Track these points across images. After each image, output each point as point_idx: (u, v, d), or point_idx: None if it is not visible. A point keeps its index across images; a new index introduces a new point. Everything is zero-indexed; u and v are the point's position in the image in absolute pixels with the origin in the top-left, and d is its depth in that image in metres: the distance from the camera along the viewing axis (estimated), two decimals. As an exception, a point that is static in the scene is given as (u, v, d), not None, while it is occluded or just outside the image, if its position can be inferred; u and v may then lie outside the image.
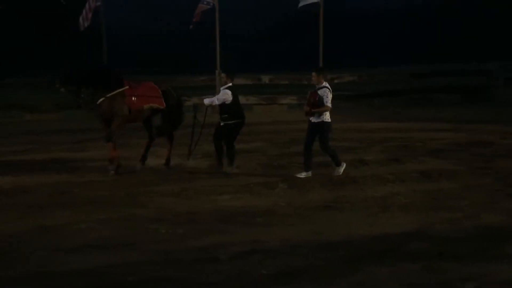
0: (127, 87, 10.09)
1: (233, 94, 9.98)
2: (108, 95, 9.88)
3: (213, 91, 21.98)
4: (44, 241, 6.35)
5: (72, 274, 5.39)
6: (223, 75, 10.34)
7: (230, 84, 10.10)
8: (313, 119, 9.35)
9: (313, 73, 9.61)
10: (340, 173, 9.39)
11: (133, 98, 10.07)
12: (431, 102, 21.45)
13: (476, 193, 8.38)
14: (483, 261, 5.69)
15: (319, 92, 9.35)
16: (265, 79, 23.38)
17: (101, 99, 9.89)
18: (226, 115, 9.97)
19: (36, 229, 6.76)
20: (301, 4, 21.58)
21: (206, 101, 10.25)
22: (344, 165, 9.54)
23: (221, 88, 10.26)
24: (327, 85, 9.50)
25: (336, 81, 22.41)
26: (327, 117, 9.37)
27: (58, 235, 6.57)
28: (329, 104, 9.34)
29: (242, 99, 23.18)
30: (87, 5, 21.47)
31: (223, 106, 9.97)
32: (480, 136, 13.35)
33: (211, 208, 7.73)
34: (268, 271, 5.45)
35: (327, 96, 9.33)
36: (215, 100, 10.04)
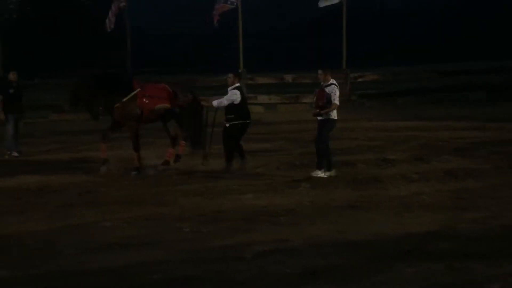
0: (138, 89, 10.16)
1: (242, 94, 9.88)
2: (123, 100, 10.03)
3: (236, 91, 22.04)
4: (72, 239, 6.46)
5: (99, 272, 5.46)
6: (230, 75, 10.05)
7: (238, 84, 9.95)
8: (320, 117, 9.38)
9: (320, 71, 9.54)
10: (318, 175, 9.21)
11: (144, 100, 10.13)
12: (456, 100, 21.24)
13: (502, 192, 8.30)
14: (508, 261, 5.64)
15: (327, 89, 9.32)
16: (288, 78, 23.36)
17: (117, 105, 10.06)
18: (232, 116, 9.79)
19: (64, 228, 6.88)
20: (322, 5, 21.53)
21: (215, 103, 9.97)
22: (327, 174, 9.26)
23: (229, 89, 9.97)
24: (334, 82, 9.47)
25: (359, 79, 22.34)
26: (334, 114, 9.36)
27: (85, 233, 6.67)
28: (337, 102, 9.30)
29: (265, 98, 23.30)
30: (112, 7, 21.72)
31: (229, 106, 9.79)
32: (505, 134, 13.21)
33: (235, 207, 7.78)
34: (291, 270, 5.47)
35: (335, 93, 9.29)
36: (224, 101, 9.84)
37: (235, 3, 21.62)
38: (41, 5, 54.33)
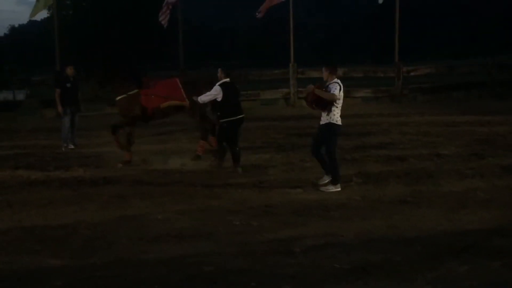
0: (142, 89, 10.43)
1: (227, 91, 9.49)
2: (120, 96, 10.43)
3: (287, 84, 22.08)
4: (126, 230, 6.60)
5: (153, 263, 5.56)
6: (219, 70, 9.78)
7: (226, 80, 9.62)
8: (321, 120, 8.43)
9: (323, 68, 8.56)
10: (329, 191, 8.23)
11: (149, 98, 10.37)
12: (513, 95, 20.65)
13: (562, 189, 8.03)
14: None
15: (329, 86, 8.33)
16: (339, 72, 23.11)
17: (119, 97, 10.45)
18: (219, 113, 9.61)
19: (118, 219, 7.02)
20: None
21: (199, 98, 9.73)
22: (339, 188, 8.29)
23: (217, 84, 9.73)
24: (338, 81, 8.42)
25: (412, 73, 21.99)
26: (335, 118, 8.32)
27: (139, 224, 6.80)
28: (336, 92, 8.19)
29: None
30: (165, 1, 22.07)
31: (215, 103, 9.61)
32: None
33: (285, 201, 7.78)
34: (342, 265, 5.44)
35: (335, 88, 8.24)
36: (204, 97, 9.61)
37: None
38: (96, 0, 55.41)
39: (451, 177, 8.85)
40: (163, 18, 22.10)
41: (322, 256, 5.68)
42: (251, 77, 24.28)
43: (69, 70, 12.92)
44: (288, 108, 21.18)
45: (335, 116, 8.30)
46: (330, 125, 8.30)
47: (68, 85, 12.76)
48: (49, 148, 12.49)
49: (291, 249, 5.87)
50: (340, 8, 76.48)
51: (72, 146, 12.58)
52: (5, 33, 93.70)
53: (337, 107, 8.29)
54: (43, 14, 64.71)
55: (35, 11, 21.75)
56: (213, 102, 9.68)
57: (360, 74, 23.62)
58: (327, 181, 8.43)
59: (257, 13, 21.87)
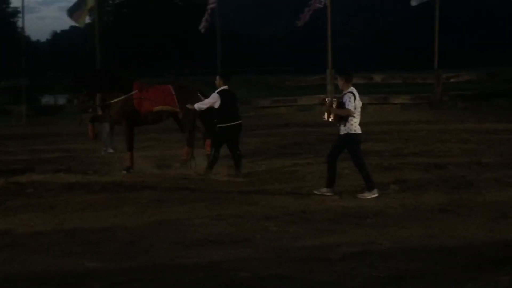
0: (136, 91, 10.51)
1: (224, 98, 9.65)
2: (114, 100, 10.48)
3: (324, 91, 22.00)
4: (163, 234, 6.66)
5: (190, 267, 5.59)
6: (217, 77, 9.97)
7: (225, 87, 9.80)
8: (340, 131, 8.34)
9: (338, 77, 8.52)
10: (366, 198, 8.14)
11: (141, 101, 10.46)
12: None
13: None
14: None
15: (344, 97, 8.26)
16: (377, 78, 23.01)
17: (113, 101, 10.52)
18: (216, 119, 9.76)
19: (155, 223, 7.10)
20: (414, 3, 21.10)
21: (196, 106, 9.92)
22: (376, 193, 8.21)
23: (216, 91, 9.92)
24: (354, 90, 8.31)
25: (452, 80, 21.67)
26: (353, 128, 8.25)
27: (175, 229, 6.86)
28: (351, 107, 8.14)
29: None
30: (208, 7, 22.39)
31: (214, 110, 9.73)
32: None
33: (322, 207, 7.75)
34: (379, 273, 5.39)
35: (349, 100, 8.17)
36: (201, 105, 9.82)
37: (323, 2, 21.58)
38: (136, 6, 56.29)
39: (492, 186, 8.69)
40: (204, 25, 22.38)
41: (359, 264, 5.63)
42: (288, 83, 24.28)
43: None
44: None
45: (353, 125, 8.25)
46: (349, 135, 8.26)
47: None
48: (89, 152, 12.70)
49: (327, 256, 5.84)
50: (377, 13, 75.97)
51: (111, 151, 12.76)
52: (47, 39, 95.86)
53: (354, 117, 8.25)
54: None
55: (83, 18, 22.13)
56: (211, 109, 9.80)
57: (399, 80, 23.41)
58: (326, 193, 8.34)
59: (297, 22, 21.92)
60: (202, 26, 22.60)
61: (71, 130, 17.74)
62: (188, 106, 10.05)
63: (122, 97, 10.49)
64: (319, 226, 6.91)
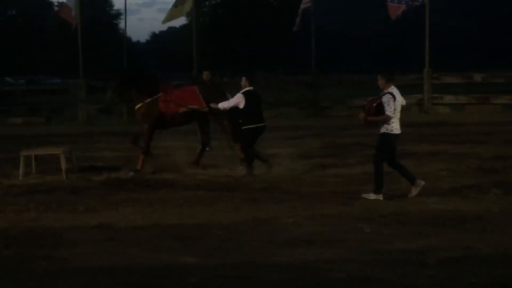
0: (160, 93, 10.55)
1: (249, 99, 9.62)
2: (140, 103, 10.58)
3: (421, 90, 21.46)
4: (257, 232, 6.73)
5: (284, 266, 5.62)
6: (243, 78, 9.91)
7: (250, 88, 9.74)
8: (380, 129, 8.17)
9: (379, 76, 8.26)
10: (370, 198, 8.07)
11: (166, 104, 10.48)
12: None
13: None
14: None
15: (383, 98, 8.09)
16: (477, 77, 22.18)
17: (137, 106, 10.63)
18: (241, 120, 9.70)
19: (249, 221, 7.17)
20: None
21: (220, 105, 9.93)
22: (381, 197, 8.06)
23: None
24: (393, 90, 8.15)
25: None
26: (390, 127, 8.11)
27: (270, 227, 6.91)
28: (389, 113, 8.02)
29: (451, 99, 22.42)
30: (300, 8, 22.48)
31: (239, 111, 9.69)
32: None
33: (418, 210, 7.56)
34: (479, 280, 5.19)
35: (388, 104, 8.02)
36: (225, 104, 9.81)
37: (420, 1, 21.09)
38: (232, 7, 57.24)
39: None
40: (297, 25, 22.47)
41: (457, 270, 5.45)
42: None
43: (206, 75, 13.39)
44: (422, 114, 20.56)
45: (391, 125, 8.13)
46: (386, 135, 8.16)
47: (204, 89, 13.23)
48: (185, 150, 13.01)
49: (424, 260, 5.69)
50: (476, 11, 73.19)
51: (208, 149, 13.01)
52: (146, 39, 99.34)
53: (393, 116, 8.11)
54: (180, 21, 67.79)
55: (168, 17, 22.78)
56: (235, 109, 9.80)
57: (501, 80, 22.45)
58: (414, 193, 8.15)
59: (390, 15, 21.49)
60: (295, 27, 22.68)
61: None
62: (212, 105, 10.11)
63: (148, 100, 10.62)
64: (414, 229, 6.74)
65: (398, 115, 8.20)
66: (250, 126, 9.75)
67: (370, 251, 6.01)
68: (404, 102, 8.40)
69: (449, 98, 21.51)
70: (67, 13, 22.28)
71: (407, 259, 5.76)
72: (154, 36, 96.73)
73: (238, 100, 9.78)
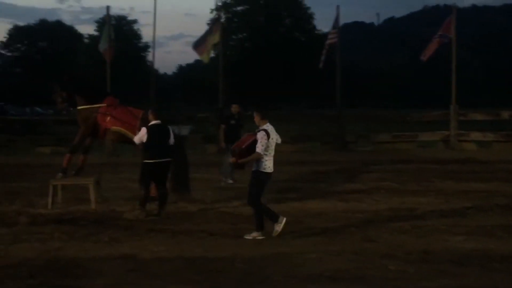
0: (104, 105, 10.78)
1: (153, 133, 9.43)
2: (83, 107, 10.89)
3: (447, 126, 21.32)
4: (280, 266, 6.68)
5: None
6: (149, 111, 9.80)
7: (156, 122, 9.56)
8: (252, 166, 8.02)
9: (254, 113, 8.11)
10: (251, 238, 7.91)
11: (103, 116, 10.69)
12: None
13: None
14: None
15: (257, 134, 7.93)
16: (505, 114, 22.01)
17: (81, 107, 10.92)
18: (145, 154, 9.57)
19: (272, 255, 7.12)
20: None
21: (135, 138, 9.81)
22: (262, 236, 7.91)
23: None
24: (268, 127, 8.01)
25: None
26: (264, 166, 7.94)
27: (291, 262, 6.85)
28: (259, 151, 7.82)
29: (478, 136, 22.19)
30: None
31: (144, 144, 9.51)
32: None
33: (443, 248, 7.45)
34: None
35: (261, 141, 7.84)
36: (135, 138, 9.73)
37: (448, 38, 21.16)
38: (259, 41, 57.85)
39: None
40: (322, 61, 22.64)
41: (484, 311, 5.34)
42: (410, 118, 23.77)
43: (234, 108, 13.51)
44: (448, 151, 20.40)
45: (263, 163, 7.94)
46: (257, 173, 7.97)
47: (232, 122, 13.36)
48: (209, 182, 13.06)
49: (450, 300, 5.59)
50: (502, 47, 72.91)
51: (231, 181, 13.06)
52: (173, 72, 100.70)
53: (266, 154, 7.94)
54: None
55: (207, 52, 23.14)
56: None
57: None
58: (257, 237, 7.97)
59: (422, 57, 21.59)
60: (321, 62, 22.82)
61: (194, 159, 18.37)
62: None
63: (87, 106, 10.90)
64: (440, 268, 6.64)
65: (272, 153, 8.03)
66: (152, 161, 9.47)
67: (394, 290, 5.93)
68: (279, 140, 8.20)
69: (476, 135, 21.33)
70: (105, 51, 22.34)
71: (432, 299, 5.66)
72: (181, 68, 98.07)
73: (141, 134, 9.59)
